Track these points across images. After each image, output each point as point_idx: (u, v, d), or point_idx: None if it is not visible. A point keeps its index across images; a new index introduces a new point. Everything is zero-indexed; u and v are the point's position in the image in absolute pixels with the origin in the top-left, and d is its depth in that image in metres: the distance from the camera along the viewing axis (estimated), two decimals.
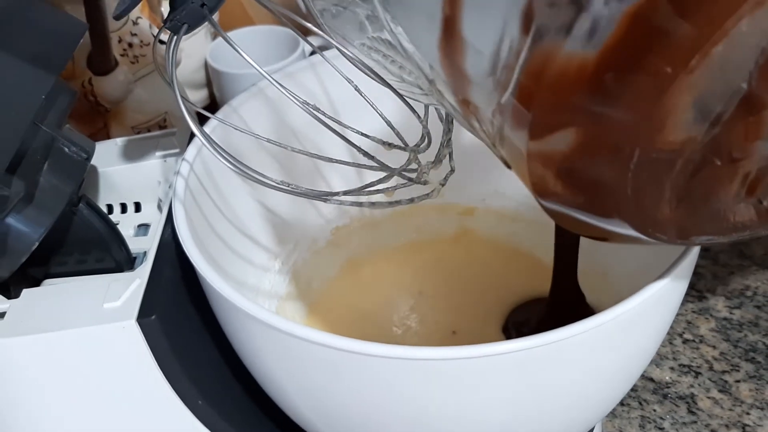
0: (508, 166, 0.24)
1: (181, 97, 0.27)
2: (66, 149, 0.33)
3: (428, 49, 0.23)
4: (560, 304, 0.39)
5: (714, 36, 0.17)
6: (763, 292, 0.53)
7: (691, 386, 0.47)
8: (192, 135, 0.33)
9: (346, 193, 0.30)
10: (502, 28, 0.20)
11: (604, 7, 0.18)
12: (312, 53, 0.63)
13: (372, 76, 0.28)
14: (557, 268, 0.35)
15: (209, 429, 0.33)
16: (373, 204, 0.30)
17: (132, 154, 0.39)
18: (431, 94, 0.25)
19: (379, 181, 0.31)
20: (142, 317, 0.30)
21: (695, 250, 0.28)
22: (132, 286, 0.31)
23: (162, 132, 0.40)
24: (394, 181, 0.31)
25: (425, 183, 0.30)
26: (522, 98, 0.20)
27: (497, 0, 0.20)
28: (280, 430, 0.36)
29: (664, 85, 0.18)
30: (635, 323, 0.26)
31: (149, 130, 0.57)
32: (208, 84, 0.70)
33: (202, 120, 0.37)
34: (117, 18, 0.26)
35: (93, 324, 0.30)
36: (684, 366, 0.48)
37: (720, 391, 0.47)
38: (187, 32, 0.27)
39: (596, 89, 0.19)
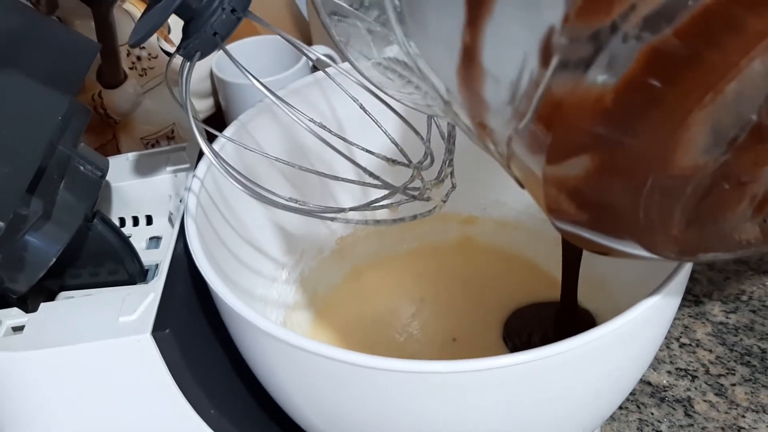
0: (522, 186, 0.25)
1: (194, 118, 0.29)
2: (81, 168, 0.34)
3: (446, 73, 0.24)
4: (560, 313, 0.40)
5: (729, 74, 0.18)
6: (759, 296, 0.54)
7: (688, 390, 0.48)
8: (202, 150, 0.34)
9: (352, 209, 0.31)
10: (522, 60, 0.21)
11: (622, 44, 0.19)
12: (313, 67, 0.64)
13: (376, 95, 0.29)
14: (565, 282, 0.36)
15: None
16: (377, 222, 0.31)
17: (143, 168, 0.40)
18: (446, 114, 0.25)
19: (384, 198, 0.32)
20: (157, 331, 0.31)
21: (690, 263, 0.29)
22: (146, 300, 0.32)
23: (172, 147, 0.41)
24: (398, 197, 0.32)
25: (428, 200, 0.31)
26: (539, 126, 0.21)
27: (517, 32, 0.21)
28: None
29: (679, 117, 0.19)
30: (634, 334, 0.27)
31: (158, 141, 0.58)
32: (214, 93, 0.71)
33: (211, 135, 0.38)
34: (133, 47, 0.28)
35: (109, 338, 0.31)
36: (681, 370, 0.50)
37: (716, 394, 0.48)
38: (200, 59, 0.28)
39: (613, 120, 0.20)
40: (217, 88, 0.69)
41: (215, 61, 0.68)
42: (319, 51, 0.62)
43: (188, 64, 0.28)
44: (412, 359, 0.26)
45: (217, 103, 0.72)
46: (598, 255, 0.38)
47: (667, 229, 0.22)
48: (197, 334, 0.34)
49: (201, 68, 0.68)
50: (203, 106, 0.71)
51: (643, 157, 0.20)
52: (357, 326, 0.45)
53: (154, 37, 0.57)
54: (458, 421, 0.29)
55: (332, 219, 0.29)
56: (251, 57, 0.65)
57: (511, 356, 0.25)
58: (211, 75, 0.69)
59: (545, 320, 0.42)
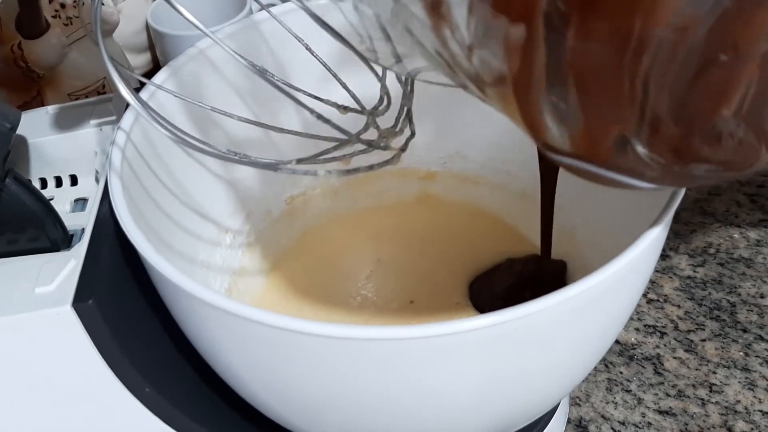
0: (482, 91, 0.21)
1: (110, 57, 0.25)
2: None
3: None
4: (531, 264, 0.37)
5: None
6: (726, 249, 0.52)
7: (657, 347, 0.47)
8: None
9: (300, 161, 0.27)
10: None
11: None
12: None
13: (318, 18, 0.26)
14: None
15: (159, 417, 0.31)
16: (329, 172, 0.27)
17: (65, 122, 0.36)
18: (396, 16, 0.21)
19: (335, 148, 0.28)
20: (78, 302, 0.27)
21: (672, 210, 0.26)
22: (66, 267, 0.28)
23: (97, 98, 0.37)
24: (351, 148, 0.28)
25: (386, 148, 0.28)
26: None
27: None
28: (236, 414, 0.34)
29: None
30: (614, 289, 0.25)
31: (87, 97, 0.53)
32: (151, 48, 0.67)
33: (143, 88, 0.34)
34: None
35: (24, 311, 0.27)
36: (649, 326, 0.48)
37: (686, 350, 0.46)
38: None
39: None
40: (153, 41, 0.64)
41: (151, 11, 0.63)
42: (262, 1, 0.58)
43: None
44: (367, 325, 0.23)
45: (154, 59, 0.67)
46: (567, 201, 0.36)
47: (653, 115, 0.19)
48: (127, 305, 0.30)
49: (136, 20, 0.64)
50: (139, 61, 0.67)
51: None
52: (309, 291, 0.42)
53: None
54: (419, 391, 0.26)
55: (276, 170, 0.26)
56: (188, 8, 0.60)
57: (476, 319, 0.23)
58: (147, 28, 0.64)
59: (515, 277, 0.40)
